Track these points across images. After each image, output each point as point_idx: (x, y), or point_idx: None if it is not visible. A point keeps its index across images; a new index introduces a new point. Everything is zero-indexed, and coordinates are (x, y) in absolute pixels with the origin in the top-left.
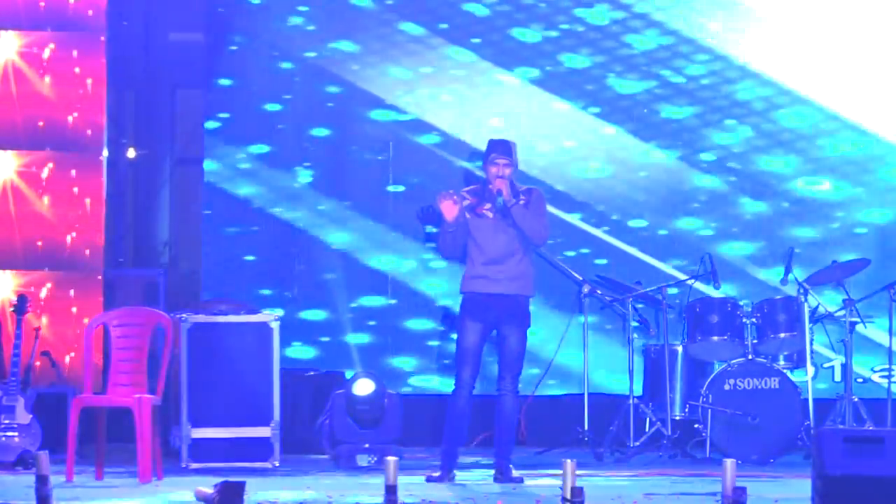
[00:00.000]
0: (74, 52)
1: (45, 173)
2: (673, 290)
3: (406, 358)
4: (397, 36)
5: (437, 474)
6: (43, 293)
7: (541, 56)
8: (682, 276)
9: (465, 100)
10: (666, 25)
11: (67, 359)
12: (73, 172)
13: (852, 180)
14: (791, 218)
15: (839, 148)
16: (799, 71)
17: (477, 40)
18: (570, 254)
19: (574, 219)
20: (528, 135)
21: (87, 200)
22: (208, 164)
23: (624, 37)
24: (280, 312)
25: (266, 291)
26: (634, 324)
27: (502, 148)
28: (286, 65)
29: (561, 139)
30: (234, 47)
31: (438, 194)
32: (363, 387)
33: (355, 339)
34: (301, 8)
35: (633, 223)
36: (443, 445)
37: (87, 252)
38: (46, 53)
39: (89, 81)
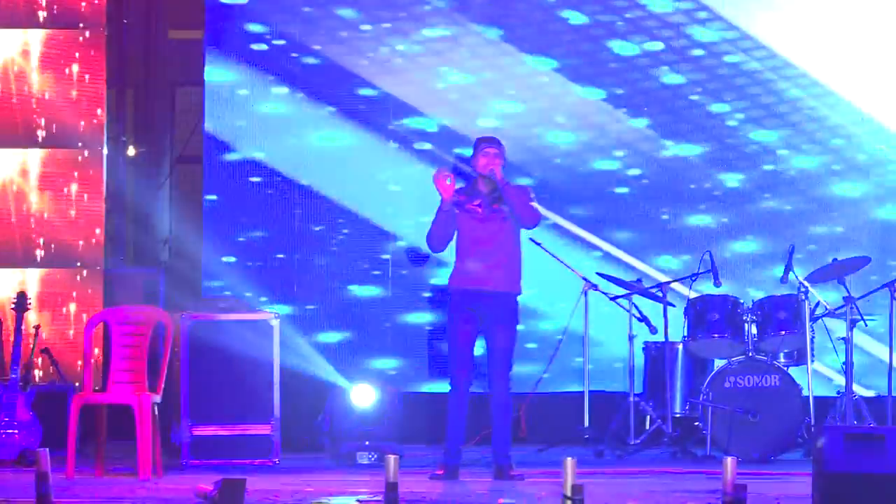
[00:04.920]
0: (75, 51)
1: (44, 171)
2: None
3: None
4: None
5: (440, 472)
6: (43, 291)
7: None
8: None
9: None
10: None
11: (67, 356)
12: (73, 170)
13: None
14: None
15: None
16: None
17: None
18: None
19: None
20: None
21: (87, 198)
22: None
23: None
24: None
25: (267, 289)
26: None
27: (492, 139)
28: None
29: None
30: None
31: (435, 173)
32: (363, 395)
33: (356, 333)
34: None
35: None
36: (446, 444)
37: (87, 250)
38: (47, 51)
39: (89, 79)
